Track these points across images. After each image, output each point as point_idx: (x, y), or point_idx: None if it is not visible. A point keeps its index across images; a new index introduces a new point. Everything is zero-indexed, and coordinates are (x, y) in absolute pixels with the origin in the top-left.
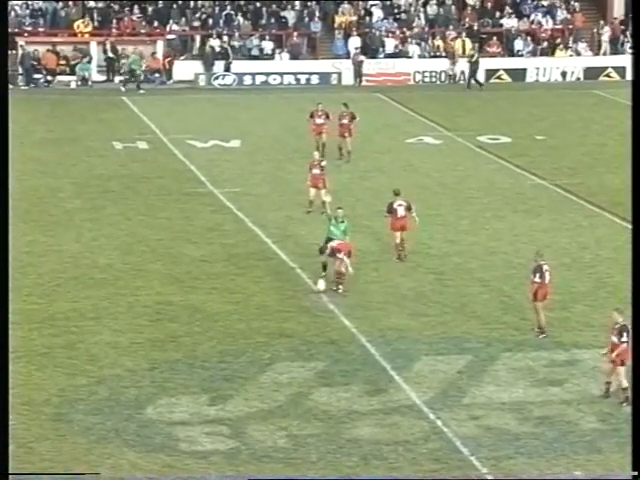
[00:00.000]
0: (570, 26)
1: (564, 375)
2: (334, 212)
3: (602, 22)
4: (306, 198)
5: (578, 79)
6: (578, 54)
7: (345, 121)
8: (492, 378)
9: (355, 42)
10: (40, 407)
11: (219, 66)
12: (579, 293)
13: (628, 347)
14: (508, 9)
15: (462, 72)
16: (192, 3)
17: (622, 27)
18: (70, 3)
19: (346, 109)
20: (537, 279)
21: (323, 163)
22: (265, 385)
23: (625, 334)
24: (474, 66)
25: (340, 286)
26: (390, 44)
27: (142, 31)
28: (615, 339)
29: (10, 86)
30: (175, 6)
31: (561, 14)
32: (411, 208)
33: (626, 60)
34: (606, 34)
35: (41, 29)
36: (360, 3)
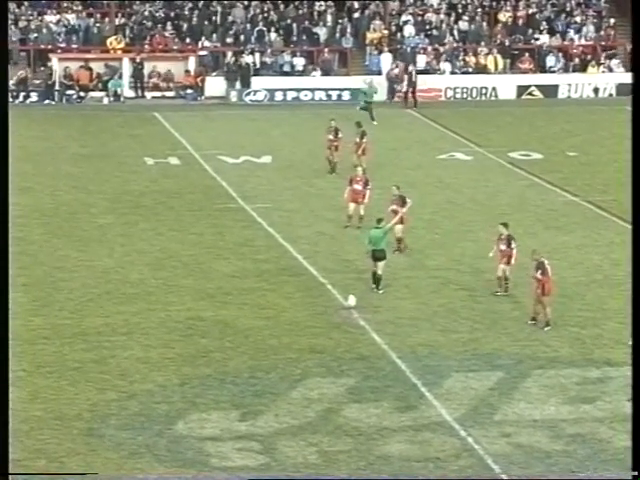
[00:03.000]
0: (602, 42)
1: (596, 392)
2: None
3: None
4: (338, 214)
5: (610, 95)
6: (610, 70)
7: (357, 139)
8: (523, 395)
9: (387, 58)
10: (71, 422)
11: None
12: (611, 310)
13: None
14: (541, 25)
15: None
16: (224, 20)
17: None
18: (105, 20)
19: (358, 128)
20: (539, 275)
21: (367, 182)
22: (296, 401)
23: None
24: (412, 84)
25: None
26: (422, 60)
27: (174, 47)
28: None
29: (46, 101)
30: (207, 23)
31: (593, 30)
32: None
33: None
34: None
35: (74, 45)
36: (392, 19)
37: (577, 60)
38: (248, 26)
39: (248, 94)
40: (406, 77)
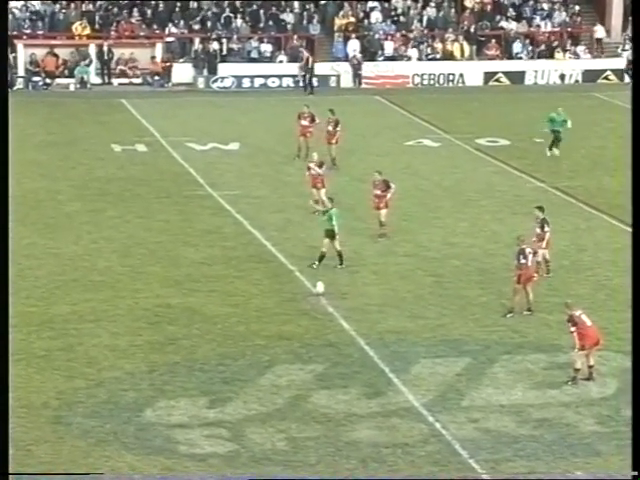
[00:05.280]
0: (569, 29)
1: (563, 377)
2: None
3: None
4: (306, 200)
5: (577, 82)
6: (577, 56)
7: (330, 128)
8: (491, 381)
9: (354, 45)
10: (39, 410)
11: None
12: (578, 296)
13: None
14: (508, 12)
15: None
16: (191, 6)
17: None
18: (70, 5)
19: (332, 115)
20: (522, 261)
21: (322, 164)
22: (264, 388)
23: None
24: (309, 71)
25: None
26: (389, 47)
27: (141, 34)
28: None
29: (11, 88)
30: (174, 9)
31: (560, 17)
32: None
33: (624, 63)
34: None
35: (40, 32)
36: (359, 6)
37: (543, 46)
38: (215, 12)
39: (215, 81)
40: (303, 63)
